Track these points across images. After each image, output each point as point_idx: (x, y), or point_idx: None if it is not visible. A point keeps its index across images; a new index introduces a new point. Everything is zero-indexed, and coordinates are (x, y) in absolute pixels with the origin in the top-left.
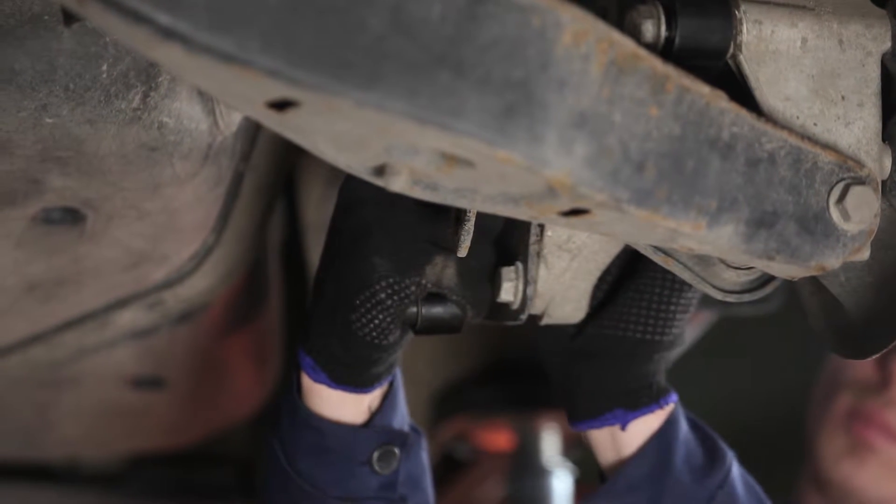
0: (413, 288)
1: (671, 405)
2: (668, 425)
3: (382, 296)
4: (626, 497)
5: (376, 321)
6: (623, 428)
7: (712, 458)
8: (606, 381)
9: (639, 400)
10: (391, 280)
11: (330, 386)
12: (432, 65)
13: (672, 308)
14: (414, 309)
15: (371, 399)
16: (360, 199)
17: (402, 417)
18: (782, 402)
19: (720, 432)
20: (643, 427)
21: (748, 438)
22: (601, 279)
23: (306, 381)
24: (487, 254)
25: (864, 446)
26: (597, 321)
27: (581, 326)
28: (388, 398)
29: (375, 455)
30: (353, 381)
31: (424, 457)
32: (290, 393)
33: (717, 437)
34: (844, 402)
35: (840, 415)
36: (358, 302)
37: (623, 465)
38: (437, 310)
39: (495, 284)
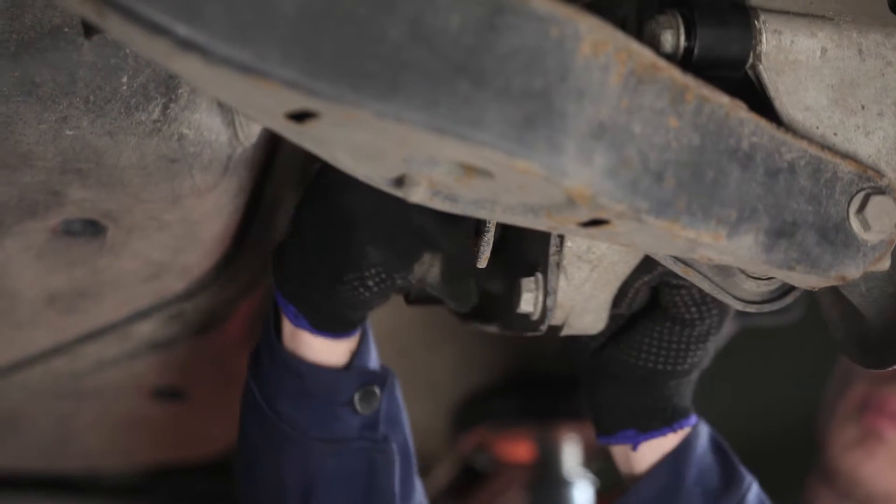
0: (399, 282)
1: (686, 429)
2: (682, 448)
3: (370, 283)
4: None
5: (362, 297)
6: (634, 448)
7: (728, 482)
8: (621, 402)
9: (650, 423)
10: (380, 270)
11: (311, 332)
12: (452, 75)
13: (685, 340)
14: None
15: (350, 342)
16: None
17: (375, 357)
18: (802, 412)
19: (739, 441)
20: (655, 448)
21: (767, 447)
22: (626, 299)
23: (287, 327)
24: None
25: (873, 436)
26: (615, 344)
27: (602, 346)
28: (363, 339)
29: (357, 396)
30: (335, 328)
31: (400, 395)
32: (268, 336)
33: (737, 461)
34: (858, 392)
35: (853, 404)
36: (346, 278)
37: (635, 483)
38: None
39: (515, 295)
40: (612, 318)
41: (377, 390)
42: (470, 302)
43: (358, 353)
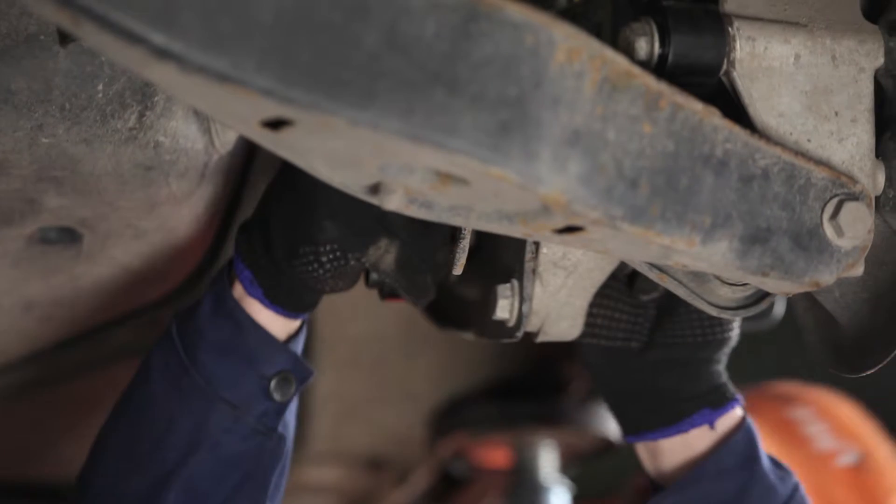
0: (353, 263)
1: (741, 403)
2: (749, 421)
3: (324, 258)
4: (718, 482)
5: (315, 274)
6: (712, 426)
7: (779, 464)
8: (686, 386)
9: (723, 397)
10: (335, 247)
11: (263, 303)
12: (427, 83)
13: None
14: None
15: (292, 324)
16: None
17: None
18: None
19: None
20: (729, 422)
21: None
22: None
23: (239, 291)
24: (429, 247)
25: None
26: (663, 332)
27: (646, 343)
28: (301, 330)
29: (276, 379)
30: (286, 304)
31: (296, 407)
32: (220, 284)
33: None
34: None
35: None
36: (300, 251)
37: (710, 455)
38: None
39: (490, 301)
40: (645, 306)
41: (294, 384)
42: (426, 296)
43: (296, 338)
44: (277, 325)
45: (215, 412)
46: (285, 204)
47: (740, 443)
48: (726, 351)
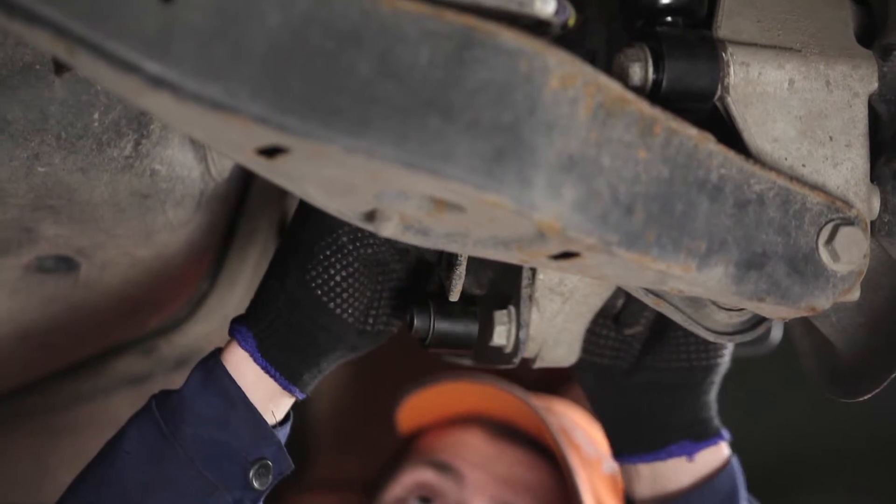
0: (374, 240)
1: (727, 440)
2: (734, 461)
3: (344, 239)
4: None
5: (332, 270)
6: (690, 458)
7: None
8: (671, 413)
9: (706, 430)
10: (356, 227)
11: (255, 359)
12: (421, 110)
13: None
14: (426, 323)
15: (280, 404)
16: None
17: None
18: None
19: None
20: (711, 458)
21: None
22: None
23: (230, 351)
24: None
25: None
26: (652, 354)
27: (634, 364)
28: (289, 417)
29: (257, 466)
30: (278, 358)
31: None
32: (210, 358)
33: None
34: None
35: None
36: (316, 249)
37: (693, 490)
38: (449, 324)
39: (488, 328)
40: (634, 337)
41: (272, 477)
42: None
43: (282, 427)
44: (266, 390)
45: (194, 486)
46: (290, 235)
47: (724, 482)
48: (715, 379)
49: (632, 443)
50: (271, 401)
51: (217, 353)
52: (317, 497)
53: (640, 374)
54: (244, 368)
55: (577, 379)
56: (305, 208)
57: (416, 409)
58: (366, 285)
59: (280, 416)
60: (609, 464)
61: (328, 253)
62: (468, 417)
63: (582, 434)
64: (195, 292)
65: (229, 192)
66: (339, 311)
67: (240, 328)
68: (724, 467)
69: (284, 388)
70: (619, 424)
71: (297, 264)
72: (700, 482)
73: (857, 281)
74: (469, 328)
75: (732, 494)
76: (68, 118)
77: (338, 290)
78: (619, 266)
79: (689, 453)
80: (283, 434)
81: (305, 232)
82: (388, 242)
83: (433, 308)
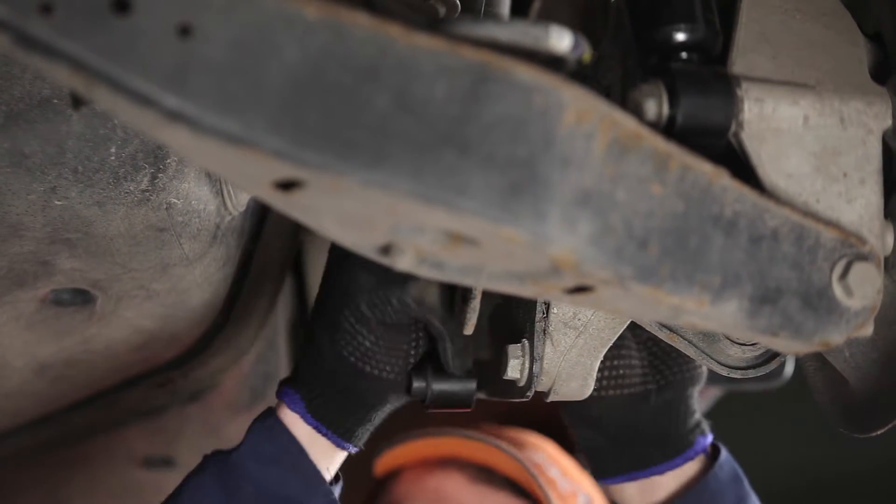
0: (395, 302)
1: (710, 438)
2: (723, 451)
3: (363, 307)
4: (718, 497)
5: (360, 338)
6: (661, 474)
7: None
8: (654, 430)
9: (689, 440)
10: (375, 293)
11: (304, 418)
12: (437, 144)
13: (664, 349)
14: (423, 383)
15: (334, 461)
16: None
17: None
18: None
19: None
20: (697, 463)
21: None
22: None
23: (282, 412)
24: None
25: None
26: (609, 380)
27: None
28: (337, 482)
29: None
30: (328, 417)
31: None
32: (269, 416)
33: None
34: None
35: None
36: (340, 319)
37: (705, 473)
38: (447, 385)
39: (502, 362)
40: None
41: None
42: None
43: (335, 484)
44: (319, 449)
45: None
46: (320, 303)
47: (726, 461)
48: (693, 392)
49: (615, 465)
50: (324, 457)
51: (273, 412)
52: None
53: (601, 402)
54: (296, 429)
55: (559, 407)
56: (330, 272)
57: (392, 455)
58: (397, 342)
59: (333, 471)
60: (584, 496)
61: (353, 321)
62: (445, 460)
63: (556, 470)
64: (210, 325)
65: (244, 225)
66: (376, 371)
67: (287, 390)
68: (716, 462)
69: (337, 445)
70: (601, 449)
71: (329, 338)
72: (692, 481)
73: (870, 316)
74: (466, 386)
75: (736, 478)
76: (85, 152)
77: (370, 354)
78: (633, 300)
79: (677, 465)
80: (337, 491)
81: (330, 299)
82: (403, 310)
83: (430, 369)
